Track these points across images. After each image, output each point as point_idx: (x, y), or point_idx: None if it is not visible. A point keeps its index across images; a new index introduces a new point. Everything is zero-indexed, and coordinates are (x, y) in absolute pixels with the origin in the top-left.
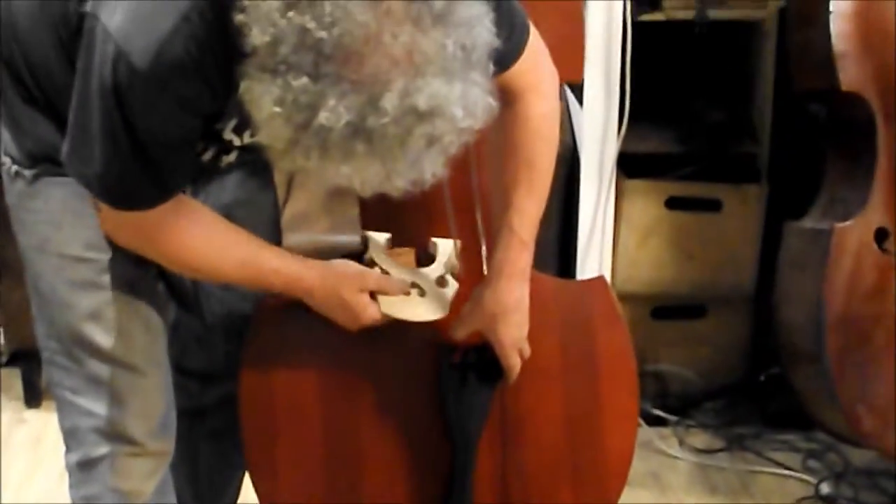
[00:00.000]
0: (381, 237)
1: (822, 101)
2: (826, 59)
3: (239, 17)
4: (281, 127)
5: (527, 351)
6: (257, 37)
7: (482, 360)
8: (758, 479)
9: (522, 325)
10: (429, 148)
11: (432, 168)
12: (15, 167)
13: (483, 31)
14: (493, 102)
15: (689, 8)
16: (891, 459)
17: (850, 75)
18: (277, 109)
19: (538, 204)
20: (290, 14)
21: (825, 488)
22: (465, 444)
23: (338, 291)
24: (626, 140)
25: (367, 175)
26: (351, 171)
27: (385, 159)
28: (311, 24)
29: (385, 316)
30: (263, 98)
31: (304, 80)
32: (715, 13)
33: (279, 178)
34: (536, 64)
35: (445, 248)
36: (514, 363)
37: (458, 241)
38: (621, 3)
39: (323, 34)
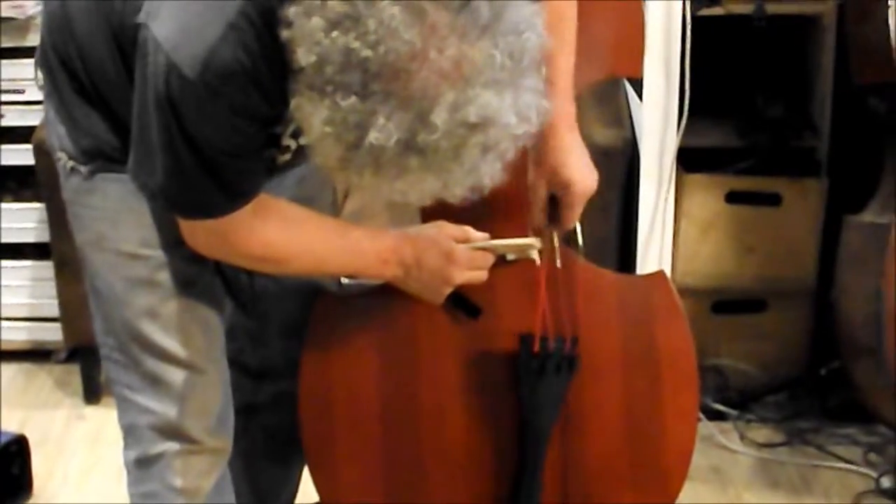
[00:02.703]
0: None
1: (882, 95)
2: (885, 53)
3: (285, 34)
4: (332, 146)
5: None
6: (303, 56)
7: (560, 351)
8: (819, 473)
9: (589, 171)
10: (484, 156)
11: (490, 173)
12: (71, 163)
13: (533, 36)
14: (547, 105)
15: (747, 2)
16: None
17: None
18: (328, 129)
19: (570, 56)
20: (334, 34)
21: (886, 482)
22: (536, 438)
23: (431, 246)
24: (686, 134)
25: (422, 189)
26: (406, 186)
27: (440, 172)
28: (356, 44)
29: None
30: (313, 118)
31: (353, 99)
32: (773, 7)
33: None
34: None
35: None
36: (575, 214)
37: (539, 241)
38: None
39: (368, 53)
